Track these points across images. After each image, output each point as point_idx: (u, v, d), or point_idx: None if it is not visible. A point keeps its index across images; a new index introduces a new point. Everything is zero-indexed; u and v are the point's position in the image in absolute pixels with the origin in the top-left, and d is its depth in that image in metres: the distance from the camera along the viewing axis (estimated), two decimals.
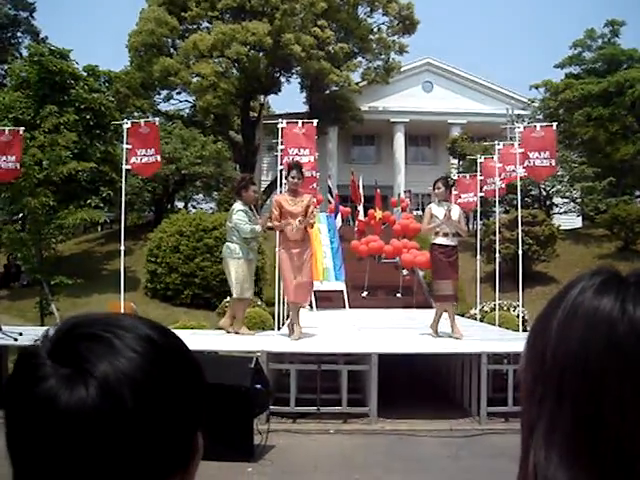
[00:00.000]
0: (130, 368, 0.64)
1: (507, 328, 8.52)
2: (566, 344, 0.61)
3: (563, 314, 0.63)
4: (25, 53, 22.47)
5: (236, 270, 7.90)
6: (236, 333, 8.12)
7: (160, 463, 0.64)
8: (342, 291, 14.66)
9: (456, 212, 8.11)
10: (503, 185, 11.69)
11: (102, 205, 18.97)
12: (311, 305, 12.15)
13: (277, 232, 8.01)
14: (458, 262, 8.15)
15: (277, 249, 8.07)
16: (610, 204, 20.29)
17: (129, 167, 10.19)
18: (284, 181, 8.42)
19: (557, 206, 22.80)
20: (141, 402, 0.63)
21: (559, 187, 21.67)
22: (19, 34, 33.92)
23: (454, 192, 15.74)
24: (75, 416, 0.61)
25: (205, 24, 27.52)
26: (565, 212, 22.81)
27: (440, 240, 8.01)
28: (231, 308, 8.49)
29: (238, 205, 8.00)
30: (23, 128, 11.24)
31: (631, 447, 0.56)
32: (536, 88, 26.00)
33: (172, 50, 27.28)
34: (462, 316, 13.30)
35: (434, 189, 8.26)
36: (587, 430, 0.58)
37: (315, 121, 10.52)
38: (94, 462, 0.61)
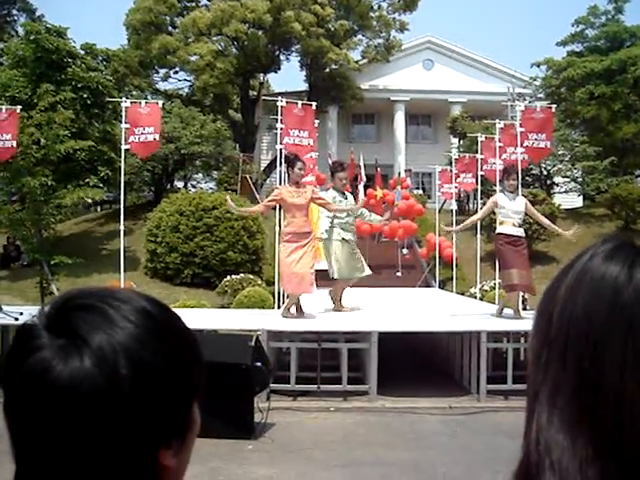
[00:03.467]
0: (125, 338, 0.64)
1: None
2: (572, 309, 0.61)
3: (572, 279, 0.63)
4: (21, 31, 22.20)
5: (334, 252, 8.41)
6: (337, 311, 8.50)
7: (155, 432, 0.64)
8: None
9: (521, 203, 8.01)
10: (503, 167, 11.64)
11: (101, 185, 18.92)
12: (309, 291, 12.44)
13: (279, 213, 8.07)
14: (526, 252, 8.04)
15: (278, 230, 8.15)
16: (611, 184, 20.22)
17: (128, 147, 10.14)
18: (282, 170, 8.52)
19: (558, 185, 22.74)
20: (136, 371, 0.63)
21: (560, 166, 21.58)
22: (14, 12, 33.50)
23: (454, 171, 15.74)
24: (70, 385, 0.61)
25: (204, 1, 27.21)
26: (566, 191, 22.74)
27: (507, 229, 7.88)
28: (334, 289, 8.77)
29: (330, 191, 8.69)
30: (20, 107, 11.18)
31: (630, 413, 0.56)
32: (538, 66, 25.75)
33: (171, 28, 27.00)
34: (462, 295, 13.35)
35: (508, 180, 8.04)
36: (588, 395, 0.58)
37: (314, 103, 10.45)
38: (90, 430, 0.61)
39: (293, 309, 7.90)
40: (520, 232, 7.98)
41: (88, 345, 0.62)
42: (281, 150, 9.96)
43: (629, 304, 0.58)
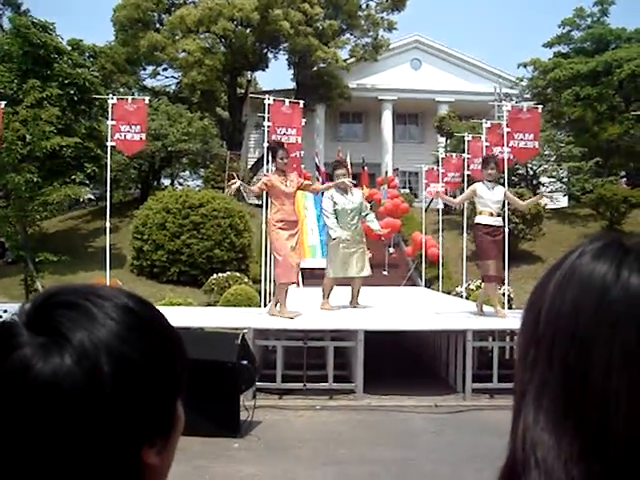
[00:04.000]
0: (107, 335, 0.63)
1: (492, 306, 8.61)
2: (560, 305, 0.61)
3: (560, 277, 0.62)
4: (7, 26, 21.98)
5: (329, 249, 8.68)
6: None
7: (138, 430, 0.63)
8: None
9: (500, 192, 8.05)
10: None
11: (87, 182, 18.78)
12: (298, 283, 12.32)
13: (265, 211, 8.02)
14: (502, 243, 8.11)
15: (267, 226, 8.08)
16: (596, 184, 20.38)
17: (114, 143, 10.07)
18: (269, 167, 8.51)
19: (544, 185, 22.87)
20: (118, 369, 0.62)
21: (546, 166, 21.73)
22: None
23: (441, 170, 15.79)
24: (51, 383, 0.60)
25: None
26: (551, 191, 22.88)
27: (484, 219, 7.93)
28: (323, 285, 8.87)
29: (331, 190, 8.64)
30: (5, 102, 11.07)
31: (615, 411, 0.56)
32: (524, 67, 25.90)
33: (158, 25, 26.86)
34: (448, 294, 13.39)
35: (487, 169, 8.04)
36: (574, 392, 0.58)
37: (302, 102, 10.44)
38: (71, 429, 0.60)
39: (279, 305, 7.85)
40: (498, 222, 8.05)
41: (69, 342, 0.61)
42: (268, 148, 9.96)
43: (616, 302, 0.58)
